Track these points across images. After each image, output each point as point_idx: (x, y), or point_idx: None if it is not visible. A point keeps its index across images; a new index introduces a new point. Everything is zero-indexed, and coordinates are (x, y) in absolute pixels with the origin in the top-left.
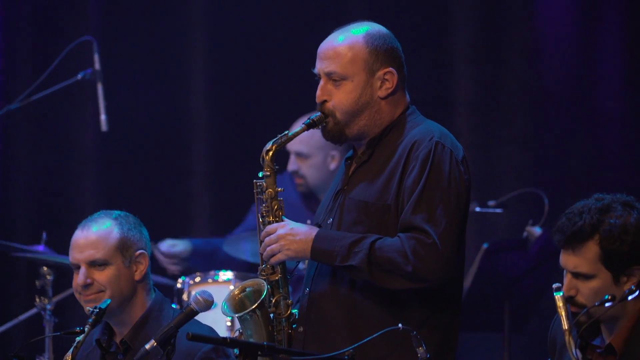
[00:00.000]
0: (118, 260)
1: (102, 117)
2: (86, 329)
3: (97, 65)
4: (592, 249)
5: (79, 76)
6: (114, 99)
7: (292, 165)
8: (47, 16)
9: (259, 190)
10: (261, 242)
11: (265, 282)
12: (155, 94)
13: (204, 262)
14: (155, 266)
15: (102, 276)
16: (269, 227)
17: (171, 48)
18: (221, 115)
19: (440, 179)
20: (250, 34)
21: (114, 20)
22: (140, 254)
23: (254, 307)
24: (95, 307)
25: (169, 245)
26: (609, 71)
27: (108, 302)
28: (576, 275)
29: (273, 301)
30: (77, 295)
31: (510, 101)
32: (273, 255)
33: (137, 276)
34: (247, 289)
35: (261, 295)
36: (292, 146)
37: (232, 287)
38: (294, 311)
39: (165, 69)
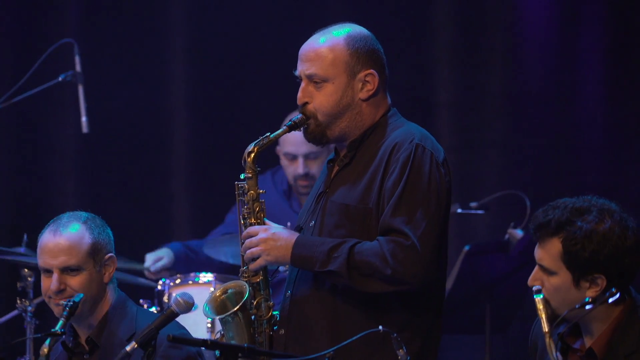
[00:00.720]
0: (90, 266)
1: (83, 118)
2: (61, 322)
3: (78, 67)
4: (555, 245)
5: (60, 78)
6: (94, 100)
7: (302, 168)
8: (28, 18)
9: (241, 192)
10: (242, 242)
11: (247, 284)
12: (135, 95)
13: (185, 267)
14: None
15: (75, 282)
16: (251, 229)
17: (152, 50)
18: (201, 117)
19: (420, 181)
20: (230, 35)
21: (95, 22)
22: (110, 257)
23: (235, 309)
24: (69, 301)
25: (153, 260)
26: (590, 74)
27: (81, 296)
28: (541, 267)
29: (254, 303)
30: (46, 299)
31: (492, 103)
32: (253, 259)
33: (106, 279)
34: (229, 291)
35: (243, 297)
36: (299, 149)
37: (212, 289)
38: (274, 313)
39: (146, 70)
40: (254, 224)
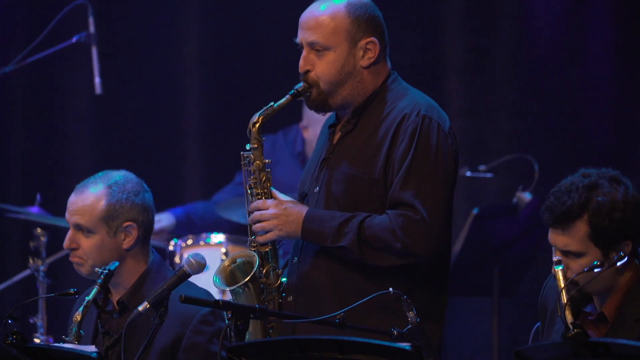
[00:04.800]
0: (102, 231)
1: (97, 79)
2: (95, 289)
3: (91, 29)
4: (581, 227)
5: (74, 39)
6: (108, 62)
7: None
8: None
9: (246, 162)
10: (249, 213)
11: (255, 254)
12: (148, 56)
13: (188, 231)
14: None
15: (85, 243)
16: (260, 203)
17: (165, 12)
18: (214, 78)
19: (428, 154)
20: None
21: None
22: (129, 225)
23: (246, 280)
24: (105, 269)
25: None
26: (599, 39)
27: (117, 265)
28: (566, 253)
29: (263, 271)
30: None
31: (501, 67)
32: (264, 232)
33: (125, 245)
34: (238, 260)
35: (252, 268)
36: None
37: (222, 250)
38: (283, 280)
39: (159, 32)
40: (261, 194)
